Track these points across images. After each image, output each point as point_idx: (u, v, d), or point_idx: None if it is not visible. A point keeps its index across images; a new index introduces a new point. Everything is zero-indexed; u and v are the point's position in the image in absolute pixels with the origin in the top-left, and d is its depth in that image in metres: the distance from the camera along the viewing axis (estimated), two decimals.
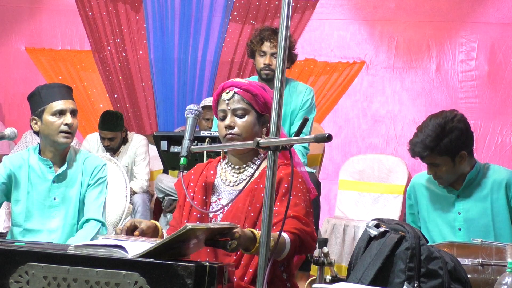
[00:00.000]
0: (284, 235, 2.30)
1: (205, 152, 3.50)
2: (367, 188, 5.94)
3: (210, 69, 6.42)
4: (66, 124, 3.21)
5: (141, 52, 6.53)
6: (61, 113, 3.22)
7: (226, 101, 2.50)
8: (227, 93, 2.51)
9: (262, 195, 2.20)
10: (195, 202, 2.50)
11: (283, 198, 2.38)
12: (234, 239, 2.04)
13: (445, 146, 3.09)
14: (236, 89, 2.49)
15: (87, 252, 2.02)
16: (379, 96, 6.15)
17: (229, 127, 2.48)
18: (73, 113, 3.25)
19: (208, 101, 5.70)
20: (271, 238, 2.15)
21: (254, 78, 4.25)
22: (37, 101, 3.25)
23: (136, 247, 2.01)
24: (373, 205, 5.86)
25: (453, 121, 3.11)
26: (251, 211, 2.40)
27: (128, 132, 5.92)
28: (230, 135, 2.47)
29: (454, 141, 3.09)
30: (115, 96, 6.59)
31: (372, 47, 6.15)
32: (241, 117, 2.49)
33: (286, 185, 2.41)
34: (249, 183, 2.45)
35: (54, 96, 3.23)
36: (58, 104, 3.22)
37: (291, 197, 2.37)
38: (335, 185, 6.04)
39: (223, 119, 2.51)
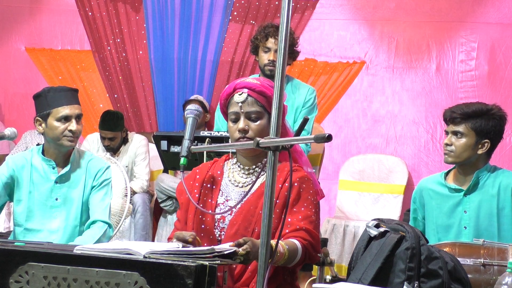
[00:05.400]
0: (297, 243, 2.32)
1: (205, 152, 3.50)
2: (367, 188, 5.94)
3: (210, 69, 6.42)
4: (70, 130, 3.21)
5: (141, 52, 6.53)
6: (66, 119, 3.21)
7: (239, 104, 2.45)
8: (240, 94, 2.45)
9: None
10: (201, 205, 2.47)
11: (294, 210, 2.38)
12: (240, 256, 2.07)
13: (479, 124, 3.15)
14: (249, 91, 2.44)
15: (88, 252, 2.02)
16: (379, 96, 6.15)
17: (243, 131, 2.44)
18: (78, 117, 3.25)
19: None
20: (286, 246, 2.22)
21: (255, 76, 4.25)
22: (43, 103, 3.24)
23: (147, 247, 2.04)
24: (373, 205, 5.86)
25: (499, 111, 3.19)
26: (262, 215, 2.38)
27: (128, 132, 5.92)
28: (244, 139, 2.43)
29: (489, 126, 3.16)
30: (115, 96, 6.59)
31: (372, 47, 6.15)
32: (255, 120, 2.45)
33: (300, 191, 2.41)
34: (258, 185, 2.45)
35: (60, 101, 3.22)
36: (64, 110, 3.21)
37: (302, 208, 2.38)
38: (335, 185, 6.04)
39: (235, 121, 2.47)
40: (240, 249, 2.07)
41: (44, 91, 3.25)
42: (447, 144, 3.22)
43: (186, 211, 2.53)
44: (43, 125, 3.24)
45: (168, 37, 6.46)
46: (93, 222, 3.26)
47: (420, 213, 3.38)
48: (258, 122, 2.45)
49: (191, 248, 2.06)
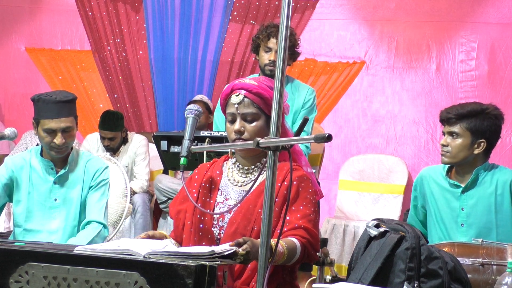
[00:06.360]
0: (296, 241, 2.32)
1: (205, 152, 3.50)
2: (367, 188, 5.94)
3: (210, 69, 6.42)
4: (55, 143, 3.19)
5: (141, 52, 6.53)
6: (52, 131, 3.19)
7: (236, 105, 2.45)
8: (236, 96, 2.46)
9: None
10: (199, 204, 2.48)
11: (293, 208, 2.38)
12: (240, 256, 2.06)
13: (474, 124, 3.16)
14: (246, 92, 2.45)
15: (88, 252, 2.02)
16: (379, 96, 6.15)
17: (239, 132, 2.45)
18: (65, 131, 3.20)
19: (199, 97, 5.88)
20: (285, 245, 2.22)
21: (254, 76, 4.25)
22: (35, 109, 3.23)
23: (147, 247, 2.04)
24: (373, 205, 5.86)
25: (494, 110, 3.20)
26: (261, 213, 2.37)
27: (128, 132, 5.92)
28: (240, 140, 2.44)
29: (484, 126, 3.17)
30: (115, 96, 6.59)
31: (372, 47, 6.15)
32: (251, 122, 2.46)
33: (299, 190, 2.40)
34: (258, 184, 2.45)
35: (47, 114, 3.17)
36: (49, 123, 3.17)
37: (301, 207, 2.38)
38: (335, 185, 6.04)
39: (232, 122, 2.48)
40: (240, 249, 2.07)
41: (34, 99, 3.21)
42: (443, 145, 3.24)
43: (184, 211, 2.53)
44: (36, 130, 3.25)
45: (168, 37, 6.46)
46: (88, 223, 3.26)
47: (419, 201, 3.40)
48: (254, 124, 2.46)
49: (191, 250, 2.06)
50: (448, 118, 3.22)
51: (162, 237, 2.42)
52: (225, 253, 2.05)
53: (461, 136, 3.18)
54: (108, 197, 3.39)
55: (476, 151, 3.19)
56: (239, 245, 2.08)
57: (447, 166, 3.34)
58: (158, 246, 2.11)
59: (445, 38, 5.98)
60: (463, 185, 3.23)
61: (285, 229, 2.34)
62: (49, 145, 3.21)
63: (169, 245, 2.18)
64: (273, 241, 2.09)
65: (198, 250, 2.06)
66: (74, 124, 3.26)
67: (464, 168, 3.24)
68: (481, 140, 3.18)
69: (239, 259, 2.07)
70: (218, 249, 2.06)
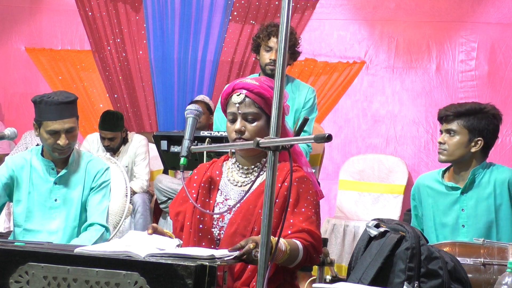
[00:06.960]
0: (299, 243, 2.31)
1: (205, 152, 3.50)
2: (367, 188, 5.94)
3: (210, 69, 6.43)
4: (59, 144, 3.19)
5: (141, 52, 6.53)
6: (56, 133, 3.18)
7: (237, 104, 2.44)
8: (237, 95, 2.45)
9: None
10: (199, 204, 2.48)
11: (295, 210, 2.38)
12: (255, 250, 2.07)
13: (472, 122, 3.18)
14: (247, 92, 2.44)
15: (88, 252, 2.02)
16: (379, 96, 6.15)
17: (240, 131, 2.45)
18: (69, 131, 3.19)
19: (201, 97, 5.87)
20: (288, 244, 2.21)
21: (255, 76, 4.25)
22: (36, 111, 3.22)
23: (146, 249, 2.04)
24: (373, 205, 5.86)
25: (492, 110, 3.22)
26: (261, 214, 2.36)
27: (128, 132, 5.92)
28: (241, 140, 2.44)
29: (482, 124, 3.18)
30: (115, 96, 6.59)
31: (372, 47, 6.15)
32: (252, 121, 2.45)
33: (299, 191, 2.40)
34: (258, 184, 2.45)
35: (50, 115, 3.16)
36: (53, 125, 3.16)
37: (303, 209, 2.38)
38: (335, 185, 6.04)
39: (232, 122, 2.48)
40: (250, 244, 2.07)
41: (36, 101, 3.20)
42: (440, 143, 3.25)
43: (184, 211, 2.53)
44: (38, 131, 3.24)
45: (168, 37, 6.47)
46: (90, 225, 3.26)
47: (420, 210, 3.40)
48: (254, 124, 2.45)
49: (191, 253, 2.06)
50: (446, 115, 3.24)
51: (162, 232, 2.41)
52: (225, 258, 2.05)
53: (458, 134, 3.19)
54: (110, 198, 3.38)
55: (473, 150, 3.20)
56: (239, 249, 2.09)
57: (441, 170, 3.34)
58: (162, 245, 2.11)
59: (445, 38, 5.98)
60: (461, 186, 3.23)
61: (289, 232, 2.34)
62: (53, 147, 3.21)
63: (172, 247, 2.18)
64: (273, 239, 2.10)
65: (198, 252, 2.06)
66: (76, 125, 3.26)
67: (461, 167, 3.25)
68: (478, 139, 3.19)
69: (256, 251, 2.07)
70: (217, 253, 2.06)
